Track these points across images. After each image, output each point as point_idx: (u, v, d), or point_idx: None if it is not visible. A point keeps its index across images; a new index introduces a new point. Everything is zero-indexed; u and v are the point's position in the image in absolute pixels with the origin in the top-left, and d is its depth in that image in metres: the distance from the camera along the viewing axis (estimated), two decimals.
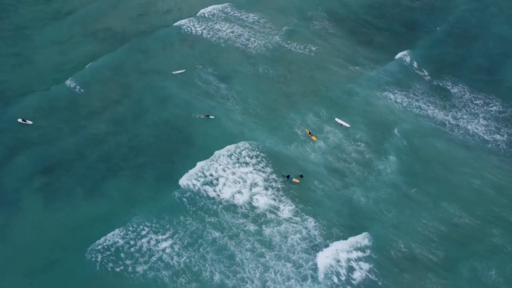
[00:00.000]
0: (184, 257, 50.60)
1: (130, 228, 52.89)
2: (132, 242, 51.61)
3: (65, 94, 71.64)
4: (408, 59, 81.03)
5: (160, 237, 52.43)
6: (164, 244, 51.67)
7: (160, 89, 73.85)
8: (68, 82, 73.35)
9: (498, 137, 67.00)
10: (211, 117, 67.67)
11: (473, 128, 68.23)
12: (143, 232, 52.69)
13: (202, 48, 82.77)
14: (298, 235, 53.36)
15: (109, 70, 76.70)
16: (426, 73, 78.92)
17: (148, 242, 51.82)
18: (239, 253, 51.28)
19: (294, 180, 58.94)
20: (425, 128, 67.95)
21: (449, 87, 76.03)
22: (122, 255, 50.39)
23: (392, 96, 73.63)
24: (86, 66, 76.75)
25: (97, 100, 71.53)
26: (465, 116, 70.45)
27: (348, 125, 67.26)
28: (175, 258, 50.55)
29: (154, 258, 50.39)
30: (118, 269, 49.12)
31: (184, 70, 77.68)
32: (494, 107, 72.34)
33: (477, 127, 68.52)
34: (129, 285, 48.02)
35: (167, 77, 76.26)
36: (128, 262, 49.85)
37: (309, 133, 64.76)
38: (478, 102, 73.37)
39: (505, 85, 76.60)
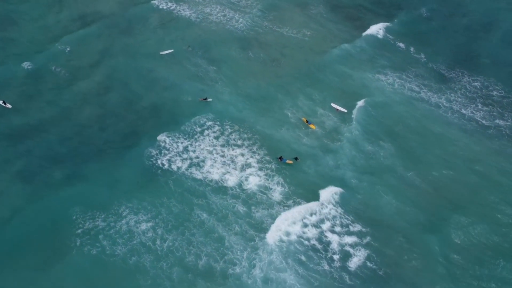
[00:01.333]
0: (168, 241, 46.90)
1: (112, 211, 49.14)
2: (112, 225, 47.83)
3: (43, 72, 68.01)
4: (403, 44, 78.62)
5: (142, 219, 48.71)
6: (145, 227, 47.93)
7: (148, 71, 70.49)
8: (45, 58, 69.93)
9: (501, 122, 64.64)
10: (209, 99, 64.48)
11: (469, 113, 65.75)
12: (124, 214, 48.96)
13: (192, 30, 79.53)
14: (289, 217, 50.00)
15: (96, 52, 73.21)
16: (422, 55, 76.60)
17: (129, 224, 48.06)
18: (227, 235, 47.71)
19: (288, 161, 55.70)
20: (421, 110, 65.44)
21: (443, 71, 73.76)
22: (101, 237, 46.56)
23: (384, 78, 71.12)
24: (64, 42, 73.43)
25: (81, 80, 67.89)
26: (460, 99, 68.13)
27: (345, 110, 64.28)
28: (158, 241, 46.85)
29: (135, 242, 46.65)
30: (95, 252, 45.21)
31: (172, 50, 74.66)
32: (495, 92, 69.98)
33: (474, 111, 66.06)
34: (108, 270, 44.18)
35: (155, 59, 72.88)
36: (107, 245, 45.99)
37: (307, 121, 61.48)
38: (476, 84, 71.09)
39: (507, 70, 74.34)
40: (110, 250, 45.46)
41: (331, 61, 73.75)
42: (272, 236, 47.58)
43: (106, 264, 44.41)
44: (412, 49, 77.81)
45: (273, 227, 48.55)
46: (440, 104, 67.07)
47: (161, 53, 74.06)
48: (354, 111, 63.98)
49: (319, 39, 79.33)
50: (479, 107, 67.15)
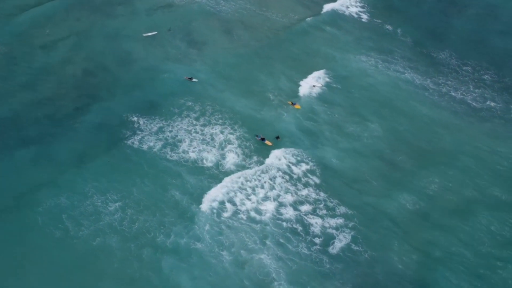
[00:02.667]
0: (138, 222, 43.70)
1: (77, 191, 45.87)
2: (76, 204, 44.51)
3: (14, 51, 64.85)
4: (390, 26, 76.41)
5: (110, 199, 45.46)
6: (113, 207, 44.69)
7: (127, 53, 67.57)
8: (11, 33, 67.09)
9: (492, 104, 62.36)
10: (195, 80, 61.70)
11: (459, 95, 63.48)
12: (90, 194, 45.70)
13: (176, 12, 76.86)
14: (267, 197, 47.09)
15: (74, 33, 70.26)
16: (409, 39, 74.39)
17: (95, 205, 44.76)
18: (201, 216, 44.63)
19: (267, 142, 52.98)
20: (406, 92, 62.89)
21: (434, 54, 71.57)
22: (64, 216, 43.22)
23: (373, 61, 68.81)
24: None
25: (55, 60, 64.70)
26: (450, 82, 65.80)
27: (320, 85, 61.79)
28: (126, 222, 43.60)
29: (101, 223, 43.35)
30: (57, 233, 41.87)
31: (156, 32, 71.99)
32: (487, 76, 67.78)
33: (465, 94, 63.80)
34: (70, 252, 40.82)
35: (135, 41, 69.96)
36: (70, 226, 42.65)
37: (292, 103, 58.83)
38: (467, 68, 68.95)
39: (500, 54, 72.38)
40: (74, 231, 42.14)
41: (314, 43, 71.34)
42: (247, 216, 44.77)
43: (68, 246, 41.07)
44: (399, 30, 75.92)
45: (248, 204, 45.80)
46: (427, 86, 64.78)
47: (144, 35, 71.48)
48: (335, 91, 61.57)
49: (303, 22, 76.80)
50: (470, 89, 64.83)
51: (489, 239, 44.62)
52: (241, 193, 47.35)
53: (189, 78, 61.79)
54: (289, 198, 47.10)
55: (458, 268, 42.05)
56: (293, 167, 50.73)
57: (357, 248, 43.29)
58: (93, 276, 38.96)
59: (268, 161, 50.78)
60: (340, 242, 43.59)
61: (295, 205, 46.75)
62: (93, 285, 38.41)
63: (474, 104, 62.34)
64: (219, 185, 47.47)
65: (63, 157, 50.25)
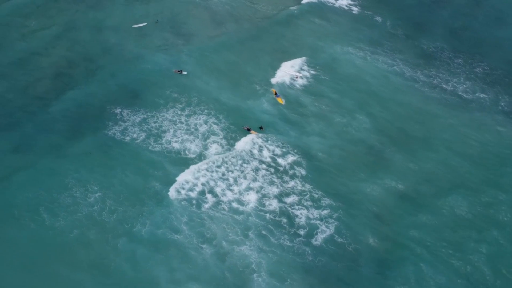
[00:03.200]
0: (116, 213, 42.74)
1: (56, 182, 44.90)
2: (55, 196, 43.51)
3: None
4: (380, 18, 75.41)
5: (90, 190, 44.49)
6: (93, 198, 43.75)
7: (112, 43, 66.65)
8: None
9: (482, 95, 61.34)
10: (184, 72, 60.71)
11: (450, 87, 62.44)
12: (69, 185, 44.72)
13: (164, 4, 75.68)
14: (250, 188, 46.13)
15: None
16: (400, 31, 73.38)
17: (74, 196, 43.79)
18: (179, 207, 43.68)
19: (252, 132, 51.97)
20: (395, 84, 61.83)
21: (424, 46, 70.54)
22: (42, 209, 42.22)
23: (361, 53, 67.67)
24: None
25: (37, 47, 63.77)
26: (441, 75, 64.75)
27: (300, 74, 61.10)
28: (105, 213, 42.66)
29: (79, 214, 42.39)
30: (33, 225, 40.89)
31: (145, 23, 71.18)
32: (479, 68, 66.65)
33: (457, 85, 62.78)
34: (46, 244, 39.87)
35: (123, 32, 69.08)
36: (47, 218, 41.70)
37: (276, 93, 57.73)
38: (459, 61, 67.85)
39: (493, 47, 71.21)
40: (50, 222, 41.18)
41: (303, 35, 70.52)
42: (229, 207, 43.91)
43: (44, 237, 40.11)
44: (389, 22, 74.91)
45: (229, 194, 44.97)
46: (417, 78, 63.72)
47: (133, 26, 70.61)
48: (322, 82, 60.67)
49: (292, 14, 75.74)
50: (461, 81, 63.75)
51: (476, 228, 43.66)
52: (222, 183, 46.40)
53: (179, 71, 60.78)
54: (273, 190, 46.19)
55: (441, 257, 41.18)
56: (279, 159, 49.75)
57: (341, 240, 42.41)
58: (68, 268, 37.99)
59: (239, 145, 50.05)
60: (323, 234, 42.70)
61: (279, 196, 45.84)
62: (67, 277, 37.44)
63: (464, 95, 61.35)
64: (187, 170, 46.63)
65: (43, 148, 49.23)
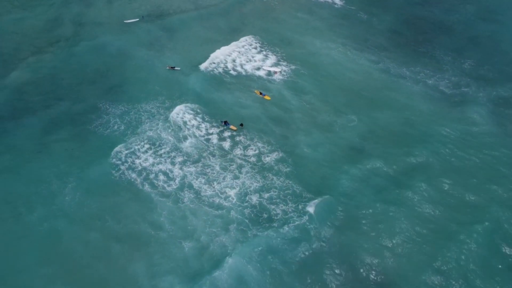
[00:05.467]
0: (88, 208, 42.35)
1: (37, 177, 44.84)
2: (33, 190, 43.37)
3: None
4: (365, 15, 75.08)
5: (67, 184, 44.14)
6: (68, 191, 43.37)
7: (98, 39, 66.46)
8: None
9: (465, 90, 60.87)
10: (177, 68, 60.39)
11: (434, 82, 61.90)
12: (48, 179, 44.45)
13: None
14: (232, 185, 45.75)
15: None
16: (385, 27, 72.81)
17: (51, 189, 43.48)
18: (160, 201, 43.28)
19: (231, 127, 51.73)
20: (379, 80, 61.19)
21: (412, 42, 70.08)
22: (20, 203, 41.98)
23: (342, 49, 67.03)
24: None
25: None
26: (428, 71, 64.23)
27: (279, 69, 60.52)
28: (78, 207, 42.27)
29: (54, 207, 41.99)
30: (11, 220, 40.53)
31: (138, 19, 71.31)
32: (467, 65, 66.08)
33: (439, 81, 62.23)
34: (18, 237, 39.46)
35: (110, 28, 69.00)
36: (24, 211, 41.39)
37: (260, 93, 56.93)
38: (448, 59, 67.17)
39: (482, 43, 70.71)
40: (26, 215, 40.81)
41: (292, 32, 70.00)
42: (209, 202, 43.61)
43: (15, 231, 39.71)
44: (375, 18, 74.47)
45: (209, 191, 44.51)
46: (403, 74, 63.13)
47: (125, 21, 70.56)
48: (302, 77, 60.30)
49: (275, 8, 75.49)
50: (446, 77, 63.18)
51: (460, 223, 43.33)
52: (203, 178, 46.00)
53: (172, 67, 60.45)
54: (254, 185, 45.72)
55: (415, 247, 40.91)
56: (262, 156, 49.06)
57: (324, 236, 41.69)
58: (39, 262, 37.53)
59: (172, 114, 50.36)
60: (300, 226, 42.06)
61: (260, 191, 45.22)
62: (36, 271, 36.94)
63: (448, 91, 60.73)
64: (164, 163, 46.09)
65: (23, 143, 48.98)
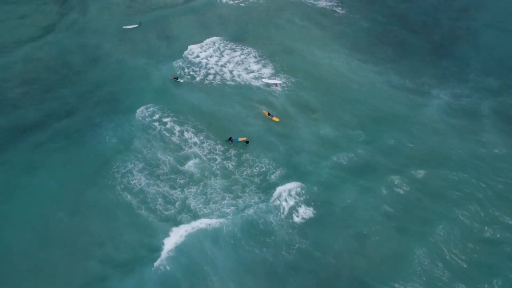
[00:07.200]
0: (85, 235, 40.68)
1: (26, 198, 43.16)
2: (23, 214, 41.68)
3: None
4: (368, 23, 73.22)
5: (59, 205, 42.53)
6: (62, 215, 41.83)
7: (94, 47, 64.83)
8: None
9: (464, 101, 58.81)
10: (180, 80, 58.50)
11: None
12: (39, 200, 42.79)
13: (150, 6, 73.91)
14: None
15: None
16: (390, 36, 70.75)
17: (43, 214, 41.85)
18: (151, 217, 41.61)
19: (240, 139, 50.08)
20: (384, 92, 59.03)
21: (418, 52, 68.13)
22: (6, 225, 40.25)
23: (345, 59, 64.89)
24: None
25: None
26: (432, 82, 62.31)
27: (279, 82, 58.58)
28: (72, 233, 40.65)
29: (48, 233, 40.39)
30: None
31: (137, 25, 69.54)
32: (472, 75, 63.56)
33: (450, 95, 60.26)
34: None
35: (104, 35, 67.49)
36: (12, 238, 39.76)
37: (268, 114, 54.28)
38: (454, 69, 64.75)
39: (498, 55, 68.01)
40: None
41: (284, 37, 68.59)
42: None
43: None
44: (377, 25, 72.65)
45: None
46: (407, 86, 61.01)
47: (124, 27, 69.18)
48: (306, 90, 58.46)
49: (279, 15, 73.65)
50: (451, 89, 61.01)
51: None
52: (202, 198, 44.27)
53: (175, 78, 58.59)
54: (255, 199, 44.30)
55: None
56: (268, 174, 47.29)
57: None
58: None
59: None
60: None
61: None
62: None
63: (453, 102, 58.55)
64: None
65: (15, 160, 47.17)
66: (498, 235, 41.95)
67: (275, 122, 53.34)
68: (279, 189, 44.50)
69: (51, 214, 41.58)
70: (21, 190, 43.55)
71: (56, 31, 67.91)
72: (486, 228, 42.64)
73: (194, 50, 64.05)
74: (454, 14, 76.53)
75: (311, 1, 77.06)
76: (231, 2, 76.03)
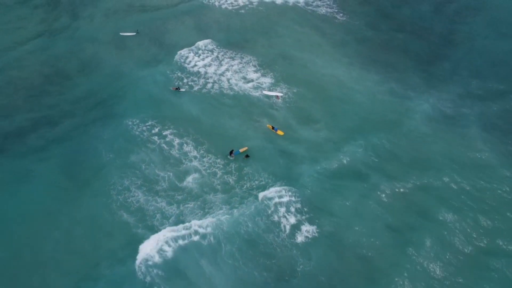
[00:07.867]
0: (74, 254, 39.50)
1: (19, 215, 41.88)
2: (15, 231, 40.47)
3: None
4: (370, 31, 71.82)
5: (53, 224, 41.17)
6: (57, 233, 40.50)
7: (90, 54, 63.51)
8: None
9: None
10: (182, 90, 57.22)
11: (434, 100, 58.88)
12: (33, 217, 41.33)
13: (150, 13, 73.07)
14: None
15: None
16: (393, 44, 69.12)
17: (36, 231, 40.71)
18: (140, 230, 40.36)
19: (241, 150, 49.12)
20: (385, 103, 57.71)
21: (422, 61, 66.64)
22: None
23: (346, 68, 63.33)
24: None
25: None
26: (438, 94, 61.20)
27: (280, 94, 57.22)
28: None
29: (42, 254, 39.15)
30: None
31: (134, 33, 68.10)
32: (474, 84, 62.38)
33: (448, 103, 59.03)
34: None
35: (101, 43, 66.09)
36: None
37: (272, 128, 52.91)
38: (456, 78, 63.42)
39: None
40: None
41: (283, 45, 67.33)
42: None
43: None
44: (380, 33, 71.36)
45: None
46: (411, 96, 59.77)
47: (121, 33, 67.79)
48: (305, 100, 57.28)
49: (277, 22, 72.41)
50: (453, 98, 59.70)
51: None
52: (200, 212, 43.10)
53: (176, 89, 57.32)
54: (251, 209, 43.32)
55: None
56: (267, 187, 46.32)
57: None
58: None
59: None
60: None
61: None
62: None
63: (453, 113, 57.17)
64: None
65: (4, 173, 45.92)
66: (495, 242, 41.99)
67: (277, 135, 52.06)
68: (275, 200, 44.18)
69: (46, 232, 40.30)
70: (12, 206, 42.30)
71: (50, 37, 66.57)
72: (480, 234, 42.63)
73: (191, 58, 62.61)
74: (453, 19, 74.96)
75: (311, 7, 75.73)
76: (230, 8, 74.73)
